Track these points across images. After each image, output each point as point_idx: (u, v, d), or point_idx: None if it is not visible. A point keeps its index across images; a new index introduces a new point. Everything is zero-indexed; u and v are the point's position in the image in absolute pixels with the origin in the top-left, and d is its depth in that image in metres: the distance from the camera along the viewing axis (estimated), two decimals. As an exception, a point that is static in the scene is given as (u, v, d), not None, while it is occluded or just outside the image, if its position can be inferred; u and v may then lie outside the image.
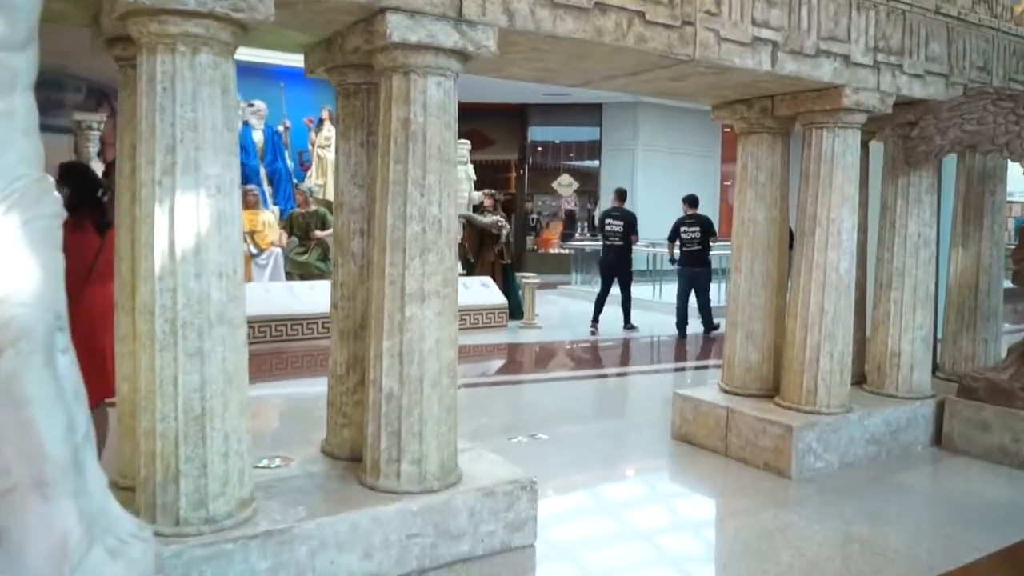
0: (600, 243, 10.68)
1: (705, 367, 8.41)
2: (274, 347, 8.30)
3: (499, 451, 4.08)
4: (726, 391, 5.17)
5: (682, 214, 9.93)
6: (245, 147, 10.89)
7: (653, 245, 14.90)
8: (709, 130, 19.42)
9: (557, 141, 20.04)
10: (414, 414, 3.26)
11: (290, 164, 11.37)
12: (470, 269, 11.17)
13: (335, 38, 3.51)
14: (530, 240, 20.40)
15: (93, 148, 11.88)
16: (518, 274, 11.11)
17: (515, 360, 8.79)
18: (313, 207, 10.48)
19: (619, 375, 8.20)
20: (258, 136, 11.09)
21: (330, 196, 11.47)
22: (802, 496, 4.31)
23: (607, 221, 10.06)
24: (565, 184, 19.77)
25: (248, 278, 9.90)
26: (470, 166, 12.69)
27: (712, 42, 3.91)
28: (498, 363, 8.72)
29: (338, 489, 3.35)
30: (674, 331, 10.03)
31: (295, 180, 11.19)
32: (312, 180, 11.35)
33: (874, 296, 5.38)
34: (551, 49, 3.68)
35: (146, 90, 2.73)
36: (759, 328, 5.07)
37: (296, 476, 3.48)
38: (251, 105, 11.02)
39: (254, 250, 9.84)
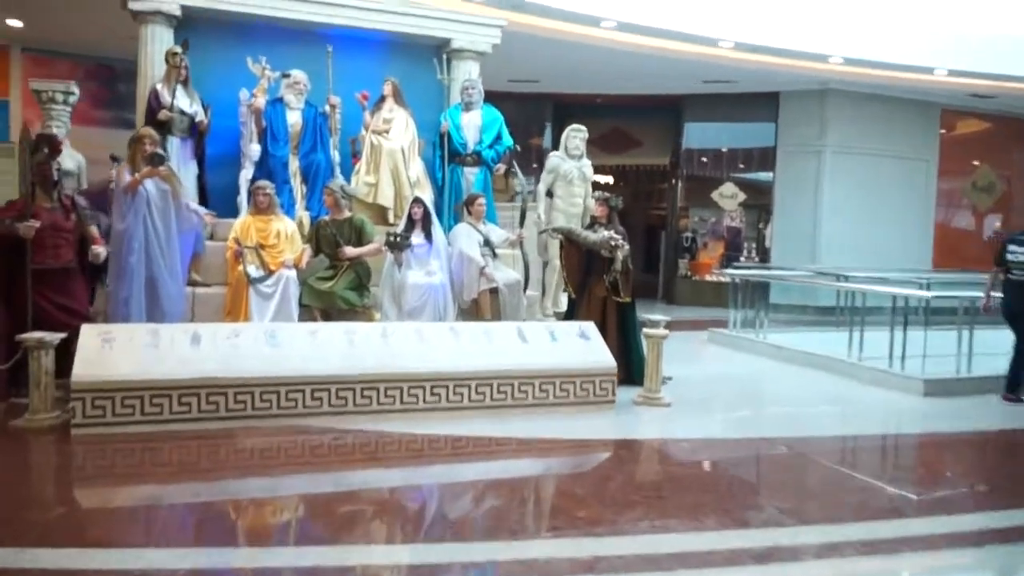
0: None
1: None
2: (228, 426, 5.15)
3: None
4: None
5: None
6: (274, 132, 7.96)
7: (845, 279, 10.83)
8: (922, 125, 14.87)
9: (722, 146, 16.09)
10: None
11: (335, 155, 8.27)
12: (572, 308, 7.66)
13: None
14: (683, 264, 16.58)
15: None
16: (642, 316, 7.39)
17: (602, 491, 4.58)
18: (347, 213, 7.33)
19: (848, 550, 3.74)
20: (294, 117, 8.07)
21: (383, 200, 8.28)
22: None
23: (1010, 248, 7.44)
24: (728, 195, 15.83)
25: (244, 316, 6.78)
26: (586, 161, 9.20)
27: None
28: (567, 497, 4.64)
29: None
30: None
31: (336, 177, 8.08)
32: (360, 177, 8.21)
33: None
34: None
35: None
36: None
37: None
38: (287, 76, 8.05)
39: (255, 272, 6.83)
